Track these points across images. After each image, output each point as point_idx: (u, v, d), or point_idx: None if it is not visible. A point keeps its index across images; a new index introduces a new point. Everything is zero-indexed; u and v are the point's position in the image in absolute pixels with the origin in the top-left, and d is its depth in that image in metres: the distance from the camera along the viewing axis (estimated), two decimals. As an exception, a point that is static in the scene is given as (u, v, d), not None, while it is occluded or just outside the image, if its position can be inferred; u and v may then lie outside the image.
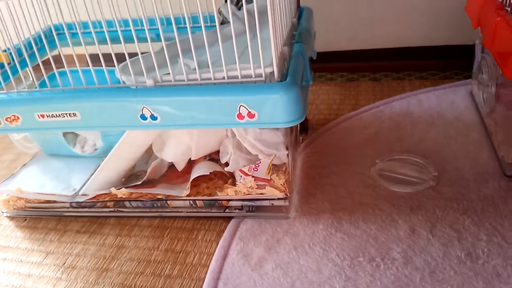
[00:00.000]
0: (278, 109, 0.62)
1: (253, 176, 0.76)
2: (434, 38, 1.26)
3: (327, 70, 1.36)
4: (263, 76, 0.63)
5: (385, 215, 0.75)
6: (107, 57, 0.66)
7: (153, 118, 0.66)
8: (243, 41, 0.64)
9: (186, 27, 0.62)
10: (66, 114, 0.68)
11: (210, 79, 0.65)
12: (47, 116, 0.69)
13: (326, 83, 1.29)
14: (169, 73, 0.66)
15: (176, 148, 0.79)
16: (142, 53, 0.66)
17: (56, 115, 0.69)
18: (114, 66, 0.67)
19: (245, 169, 0.77)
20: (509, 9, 0.78)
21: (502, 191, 0.76)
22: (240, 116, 0.64)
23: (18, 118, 0.71)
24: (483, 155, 0.86)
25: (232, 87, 0.63)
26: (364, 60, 1.32)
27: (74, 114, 0.68)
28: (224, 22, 0.91)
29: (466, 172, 0.82)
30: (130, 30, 0.63)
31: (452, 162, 0.86)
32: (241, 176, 0.78)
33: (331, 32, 1.31)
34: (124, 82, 0.68)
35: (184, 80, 0.65)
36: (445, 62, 1.26)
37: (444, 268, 0.64)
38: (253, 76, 0.64)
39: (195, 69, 0.66)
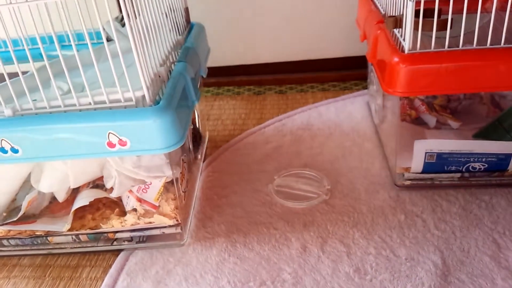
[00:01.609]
0: (152, 135, 0.59)
1: (141, 199, 0.71)
2: (333, 50, 1.29)
3: (235, 84, 1.34)
4: (133, 100, 0.60)
5: (279, 234, 0.73)
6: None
7: (14, 151, 0.60)
8: (131, 58, 0.60)
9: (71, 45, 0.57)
10: None
11: (75, 105, 0.60)
12: None
13: (234, 97, 1.27)
14: (35, 100, 0.60)
15: (52, 177, 0.72)
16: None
17: None
18: None
19: (134, 189, 0.72)
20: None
21: (391, 201, 0.78)
22: (110, 144, 0.60)
23: None
24: (375, 165, 0.88)
25: (98, 113, 0.59)
26: (270, 73, 1.32)
27: None
28: (109, 39, 0.86)
29: (359, 183, 0.83)
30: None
31: (345, 174, 0.86)
32: (128, 197, 0.73)
33: (237, 46, 1.30)
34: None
35: (46, 107, 0.60)
36: (345, 74, 1.29)
37: (333, 286, 0.63)
38: (122, 101, 0.60)
39: (68, 92, 0.61)
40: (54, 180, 0.73)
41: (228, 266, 0.68)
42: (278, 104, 1.19)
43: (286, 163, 0.91)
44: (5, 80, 0.59)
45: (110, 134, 0.59)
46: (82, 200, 0.72)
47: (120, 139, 0.59)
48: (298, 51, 1.30)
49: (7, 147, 0.60)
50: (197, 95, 0.75)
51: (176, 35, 0.81)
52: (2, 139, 0.59)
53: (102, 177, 0.77)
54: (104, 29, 0.85)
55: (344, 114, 1.08)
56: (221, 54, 1.30)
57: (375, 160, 0.90)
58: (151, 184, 0.72)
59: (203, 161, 0.96)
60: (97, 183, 0.78)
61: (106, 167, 0.74)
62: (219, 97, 1.28)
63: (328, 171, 0.87)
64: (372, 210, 0.76)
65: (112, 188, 0.73)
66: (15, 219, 0.74)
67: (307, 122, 1.06)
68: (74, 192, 0.78)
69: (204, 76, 0.85)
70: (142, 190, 0.72)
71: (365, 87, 1.22)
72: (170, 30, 0.77)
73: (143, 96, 0.60)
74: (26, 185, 0.77)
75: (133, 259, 0.72)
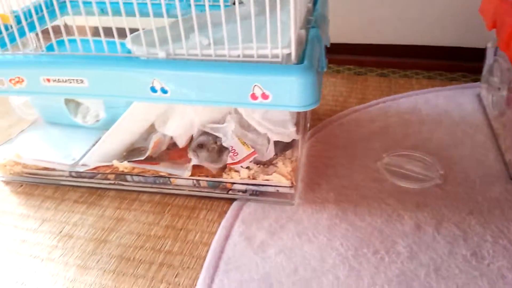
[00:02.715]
0: (294, 91, 0.61)
1: (239, 161, 0.75)
2: (445, 39, 1.25)
3: (334, 62, 1.34)
4: (280, 57, 0.62)
5: (391, 210, 0.74)
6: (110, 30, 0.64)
7: (164, 91, 0.65)
8: (258, 22, 0.62)
9: (203, 4, 0.60)
10: (73, 80, 0.66)
11: (225, 55, 0.63)
12: (53, 81, 0.67)
13: (333, 75, 1.27)
14: (182, 48, 0.64)
15: (179, 123, 0.77)
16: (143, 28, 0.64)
17: (63, 80, 0.66)
18: (125, 39, 0.65)
19: (230, 161, 0.76)
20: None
21: (508, 195, 0.76)
22: (253, 96, 0.62)
23: (23, 80, 0.69)
24: (489, 158, 0.86)
25: (249, 66, 0.61)
26: (373, 55, 1.30)
27: (82, 81, 0.66)
28: (240, 2, 0.89)
29: (472, 173, 0.82)
30: (145, 3, 0.61)
31: (458, 162, 0.85)
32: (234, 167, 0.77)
33: (342, 23, 1.29)
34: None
35: (197, 55, 0.64)
36: (453, 64, 1.25)
37: (449, 265, 0.63)
38: (269, 57, 0.62)
39: (208, 45, 0.64)
40: (181, 125, 0.78)
41: (339, 231, 0.70)
42: (380, 86, 1.18)
43: (394, 143, 0.91)
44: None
45: (255, 86, 0.61)
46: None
47: (264, 92, 0.62)
48: (405, 35, 1.27)
49: (157, 86, 0.64)
50: (325, 62, 0.76)
51: (306, 2, 0.82)
52: (154, 79, 0.64)
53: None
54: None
55: (453, 104, 1.06)
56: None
57: (488, 152, 0.87)
58: (232, 146, 0.75)
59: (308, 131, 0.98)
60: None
61: (227, 120, 0.78)
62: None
63: (439, 157, 0.86)
64: (488, 200, 0.75)
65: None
66: (142, 158, 0.79)
67: (414, 107, 1.05)
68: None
69: (328, 45, 0.85)
70: (234, 156, 0.75)
71: (475, 80, 1.17)
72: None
73: (289, 54, 0.62)
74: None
75: (247, 209, 0.75)
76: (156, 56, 0.65)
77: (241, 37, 0.60)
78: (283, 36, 0.60)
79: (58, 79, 0.66)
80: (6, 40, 0.70)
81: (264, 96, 0.62)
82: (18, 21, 0.72)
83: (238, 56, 0.63)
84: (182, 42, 0.63)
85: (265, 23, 0.60)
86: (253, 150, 0.75)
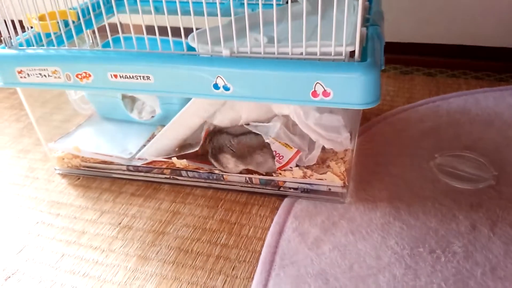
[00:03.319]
0: (355, 89, 0.62)
1: (286, 163, 0.76)
2: (493, 39, 1.23)
3: (378, 61, 1.33)
4: (343, 54, 0.62)
5: (445, 210, 0.74)
6: (164, 29, 0.66)
7: (226, 88, 0.66)
8: (312, 21, 0.63)
9: (257, 3, 0.61)
10: (140, 76, 0.68)
11: (288, 53, 0.64)
12: (120, 77, 0.69)
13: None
14: (246, 46, 0.65)
15: (226, 114, 0.78)
16: (199, 28, 0.65)
17: (130, 77, 0.69)
18: (180, 38, 0.67)
19: (277, 165, 0.76)
20: None
21: None
22: (314, 93, 0.63)
23: (90, 75, 0.72)
24: (545, 160, 0.84)
25: (311, 63, 0.62)
26: (419, 54, 1.29)
27: (148, 77, 0.68)
28: (292, 0, 0.90)
29: (528, 175, 0.80)
30: (200, 2, 0.63)
31: (511, 163, 0.84)
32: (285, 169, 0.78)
33: (387, 22, 1.28)
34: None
35: (260, 53, 0.65)
36: (502, 64, 1.23)
37: (506, 265, 0.63)
38: (332, 54, 0.63)
39: (268, 42, 0.65)
40: (228, 117, 0.79)
41: (394, 229, 0.70)
42: (428, 86, 1.17)
43: (445, 143, 0.90)
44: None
45: (317, 84, 0.62)
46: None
47: (325, 90, 0.63)
48: (453, 35, 1.26)
49: (220, 83, 0.66)
50: (383, 61, 0.76)
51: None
52: (218, 76, 0.65)
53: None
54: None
55: (504, 104, 1.04)
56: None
57: (543, 154, 0.86)
58: (275, 151, 0.75)
59: (356, 130, 0.98)
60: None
61: (273, 121, 0.79)
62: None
63: (491, 158, 0.85)
64: (546, 203, 0.74)
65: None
66: (197, 148, 0.81)
67: (463, 107, 1.03)
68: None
69: (384, 44, 0.85)
70: (279, 159, 0.76)
71: (525, 81, 1.15)
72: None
73: (352, 52, 0.63)
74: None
75: (299, 206, 0.77)
76: (220, 54, 0.66)
77: (295, 36, 0.61)
78: (342, 34, 0.60)
79: (126, 75, 0.68)
80: (74, 35, 0.73)
81: (325, 94, 0.63)
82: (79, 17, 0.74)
83: (301, 54, 0.64)
84: (246, 39, 0.65)
85: (317, 22, 0.60)
86: (296, 149, 0.75)
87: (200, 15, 0.65)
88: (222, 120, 0.80)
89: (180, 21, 0.65)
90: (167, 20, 0.65)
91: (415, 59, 1.29)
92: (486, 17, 1.20)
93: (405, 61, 1.30)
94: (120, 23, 0.71)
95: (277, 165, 0.76)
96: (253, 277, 0.65)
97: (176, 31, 0.67)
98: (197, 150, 0.80)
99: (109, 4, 0.97)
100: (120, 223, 0.76)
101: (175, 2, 0.63)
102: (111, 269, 0.68)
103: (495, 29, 1.21)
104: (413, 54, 1.29)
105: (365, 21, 0.78)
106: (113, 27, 0.71)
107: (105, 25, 0.69)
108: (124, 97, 0.91)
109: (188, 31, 0.68)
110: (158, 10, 0.82)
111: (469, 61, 1.25)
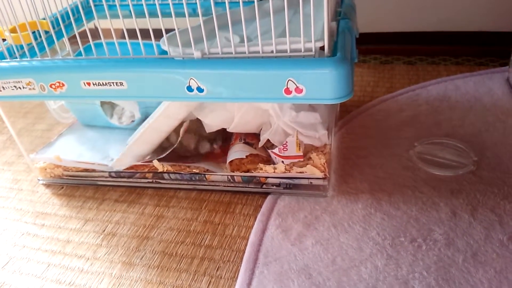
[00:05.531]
0: (328, 84, 0.62)
1: (285, 157, 0.76)
2: (471, 24, 1.24)
3: (360, 52, 1.33)
4: (313, 50, 0.63)
5: (425, 198, 0.74)
6: (134, 32, 0.65)
7: (200, 90, 0.66)
8: (282, 18, 0.63)
9: (224, 2, 0.61)
10: (113, 83, 0.68)
11: (258, 52, 0.64)
12: (93, 84, 0.69)
13: (359, 65, 1.27)
14: (216, 47, 0.65)
15: (220, 114, 0.78)
16: (178, 28, 0.65)
17: (103, 84, 0.69)
18: (150, 40, 0.67)
19: (276, 151, 0.77)
20: None
21: (544, 179, 0.75)
22: (287, 90, 0.63)
23: (63, 85, 0.71)
24: (524, 142, 0.85)
25: (281, 61, 0.63)
26: (399, 43, 1.30)
27: (121, 83, 0.68)
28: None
29: (506, 159, 0.81)
30: (167, 4, 0.62)
31: (491, 148, 0.84)
32: (275, 158, 0.78)
33: (366, 12, 1.29)
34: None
35: (231, 53, 0.65)
36: (481, 49, 1.23)
37: (486, 250, 0.64)
38: (302, 51, 0.63)
39: (240, 42, 0.65)
40: (220, 117, 0.79)
41: (375, 220, 0.71)
42: (408, 75, 1.18)
43: (425, 132, 0.91)
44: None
45: (289, 81, 0.62)
46: (238, 152, 0.78)
47: (297, 87, 0.63)
48: (431, 22, 1.26)
49: (194, 86, 0.66)
50: (356, 53, 0.76)
51: (336, -7, 0.82)
52: (191, 79, 0.65)
53: (250, 134, 0.82)
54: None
55: (483, 89, 1.05)
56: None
57: (522, 137, 0.86)
58: (287, 142, 0.76)
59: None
60: (247, 141, 0.83)
61: (268, 122, 0.79)
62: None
63: (471, 143, 0.86)
64: (524, 185, 0.75)
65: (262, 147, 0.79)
66: (176, 145, 0.80)
67: (443, 94, 1.04)
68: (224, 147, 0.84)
69: (357, 37, 0.86)
70: (283, 150, 0.76)
71: (503, 64, 1.16)
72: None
73: (322, 48, 0.63)
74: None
75: (281, 202, 0.77)
76: (191, 56, 0.66)
77: (265, 34, 0.61)
78: (307, 31, 0.61)
79: (98, 83, 0.68)
80: (45, 45, 0.73)
81: (298, 90, 0.63)
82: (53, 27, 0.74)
83: (272, 52, 0.64)
84: (216, 41, 0.65)
85: (287, 19, 0.60)
86: (301, 154, 0.76)
87: (181, 16, 0.65)
88: (214, 118, 0.80)
89: (148, 23, 0.64)
90: (135, 24, 0.65)
91: (394, 48, 1.29)
92: (463, 2, 1.21)
93: (384, 50, 1.30)
94: (96, 28, 0.71)
95: (276, 151, 0.77)
96: (237, 277, 0.65)
97: (149, 34, 0.67)
98: (176, 147, 0.81)
99: (87, 9, 0.97)
100: (104, 231, 0.76)
101: (155, 5, 0.63)
102: (96, 276, 0.68)
103: (472, 13, 1.22)
104: (392, 43, 1.30)
105: (337, 15, 0.78)
106: (85, 34, 0.71)
107: (84, 32, 0.69)
108: (103, 103, 0.91)
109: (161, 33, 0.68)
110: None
111: (449, 47, 1.26)
